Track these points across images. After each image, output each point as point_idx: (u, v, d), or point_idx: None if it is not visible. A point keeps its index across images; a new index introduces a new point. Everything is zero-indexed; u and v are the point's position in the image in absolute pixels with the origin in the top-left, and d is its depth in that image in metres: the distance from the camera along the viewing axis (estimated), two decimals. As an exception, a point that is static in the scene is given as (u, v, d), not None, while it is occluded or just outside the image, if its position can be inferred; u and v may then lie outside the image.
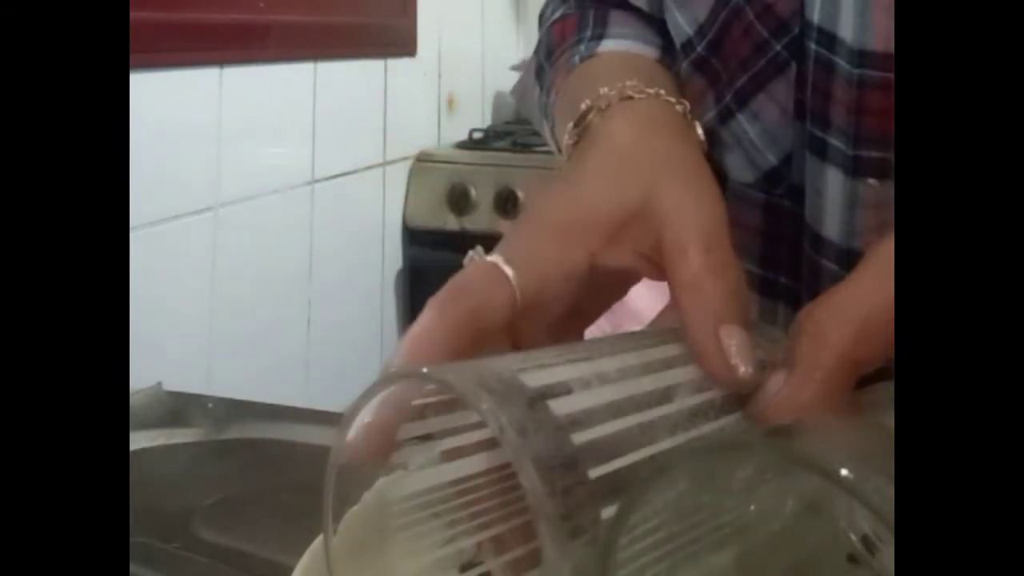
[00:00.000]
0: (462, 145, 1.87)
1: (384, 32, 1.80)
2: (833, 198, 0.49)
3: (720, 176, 0.55)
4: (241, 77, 1.42)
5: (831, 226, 0.49)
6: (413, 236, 1.81)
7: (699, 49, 0.55)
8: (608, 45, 0.57)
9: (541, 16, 0.67)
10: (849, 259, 0.49)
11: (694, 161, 0.44)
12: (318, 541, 0.35)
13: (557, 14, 0.63)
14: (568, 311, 0.41)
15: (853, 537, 0.34)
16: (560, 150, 0.59)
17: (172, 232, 1.30)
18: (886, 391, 0.33)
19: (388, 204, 1.80)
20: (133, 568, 0.63)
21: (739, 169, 0.54)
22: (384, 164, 1.78)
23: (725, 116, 0.54)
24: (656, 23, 0.59)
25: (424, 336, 0.36)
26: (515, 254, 0.39)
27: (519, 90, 0.69)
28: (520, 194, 1.72)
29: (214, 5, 1.37)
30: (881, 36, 0.47)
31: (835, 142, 0.49)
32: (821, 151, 0.49)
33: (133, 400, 0.87)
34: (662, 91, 0.47)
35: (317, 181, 1.60)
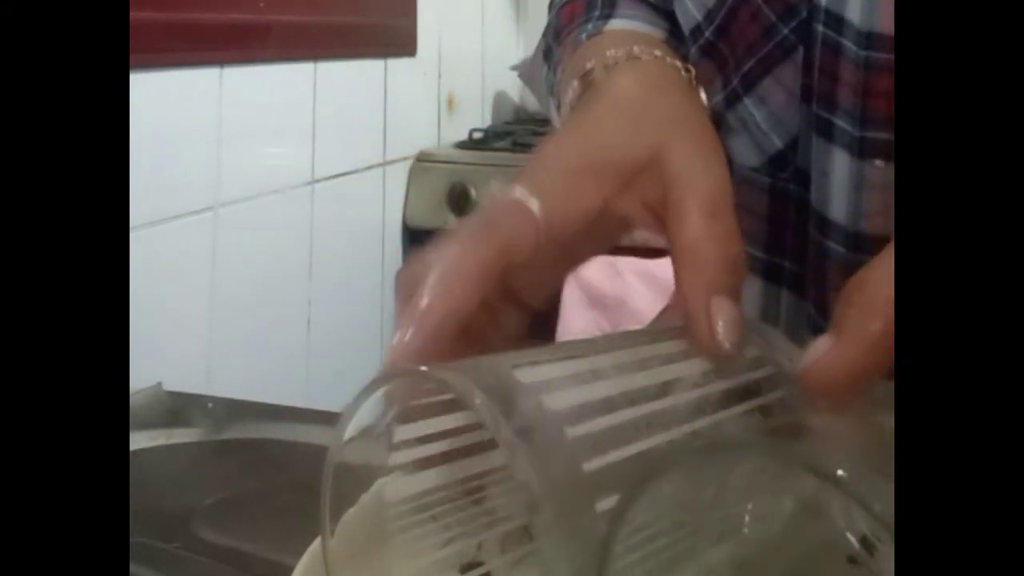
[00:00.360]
0: (462, 145, 1.87)
1: (384, 32, 1.80)
2: (840, 180, 0.49)
3: (727, 160, 0.55)
4: (241, 77, 1.42)
5: (837, 208, 0.49)
6: (413, 236, 1.81)
7: (707, 34, 0.55)
8: (615, 24, 0.57)
9: (551, 2, 0.67)
10: (856, 241, 0.49)
11: (703, 123, 0.44)
12: (318, 541, 0.35)
13: None
14: (569, 252, 0.42)
15: (851, 538, 0.34)
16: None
17: (172, 232, 1.30)
18: (886, 390, 0.33)
19: (388, 204, 1.80)
20: (133, 568, 0.63)
21: (745, 153, 0.54)
22: (384, 164, 1.78)
23: (732, 100, 0.54)
24: (663, 12, 0.60)
25: (454, 273, 0.37)
26: (538, 189, 0.39)
27: (527, 72, 0.70)
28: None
29: (214, 5, 1.37)
30: (888, 18, 0.47)
31: (842, 124, 0.49)
32: (827, 133, 0.50)
33: (133, 400, 0.87)
34: (667, 56, 0.48)
35: (317, 181, 1.60)
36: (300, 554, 0.37)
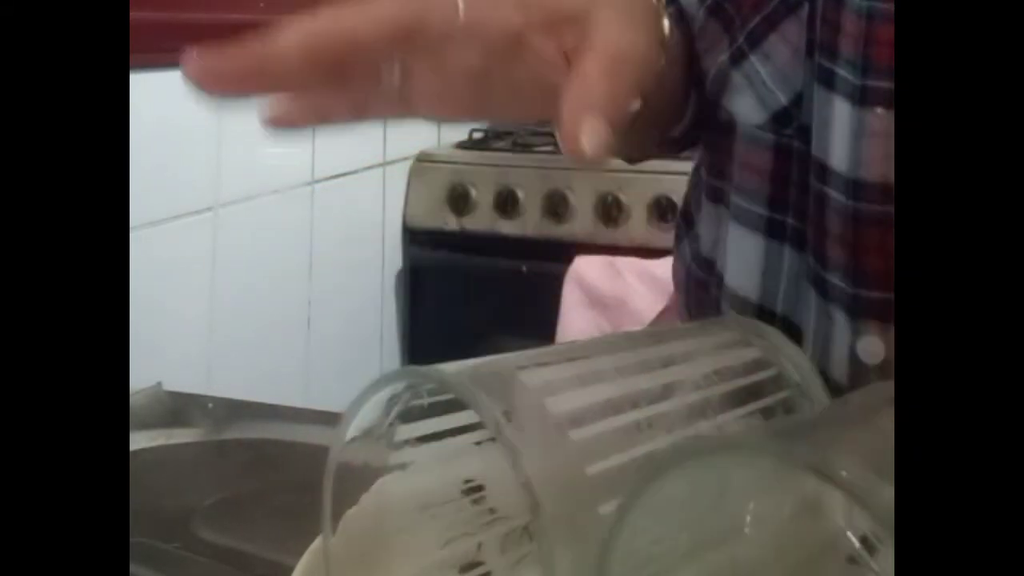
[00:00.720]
0: (462, 145, 1.87)
1: (384, 32, 1.79)
2: (840, 128, 0.50)
3: (730, 121, 0.56)
4: (241, 77, 1.41)
5: (838, 156, 0.50)
6: (413, 236, 1.81)
7: None
8: None
9: None
10: (855, 188, 0.49)
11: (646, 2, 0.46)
12: (318, 541, 0.35)
13: None
14: (481, 73, 0.43)
15: (852, 538, 0.34)
16: None
17: (172, 232, 1.30)
18: (884, 392, 0.33)
19: (388, 204, 1.80)
20: (133, 568, 0.63)
21: (749, 110, 0.55)
22: (384, 164, 1.78)
23: (737, 58, 0.55)
24: None
25: (364, 15, 0.39)
26: None
27: None
28: (520, 194, 1.72)
29: (214, 5, 1.37)
30: None
31: (843, 72, 0.50)
32: (829, 82, 0.50)
33: (133, 400, 0.87)
34: None
35: (317, 181, 1.60)
36: (300, 554, 0.37)
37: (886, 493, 0.25)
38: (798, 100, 0.53)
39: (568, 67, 0.42)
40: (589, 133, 0.39)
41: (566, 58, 0.43)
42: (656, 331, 0.39)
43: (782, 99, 0.54)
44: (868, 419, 0.34)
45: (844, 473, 0.26)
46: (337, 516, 0.34)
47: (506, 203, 1.73)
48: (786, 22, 0.53)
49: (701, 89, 0.60)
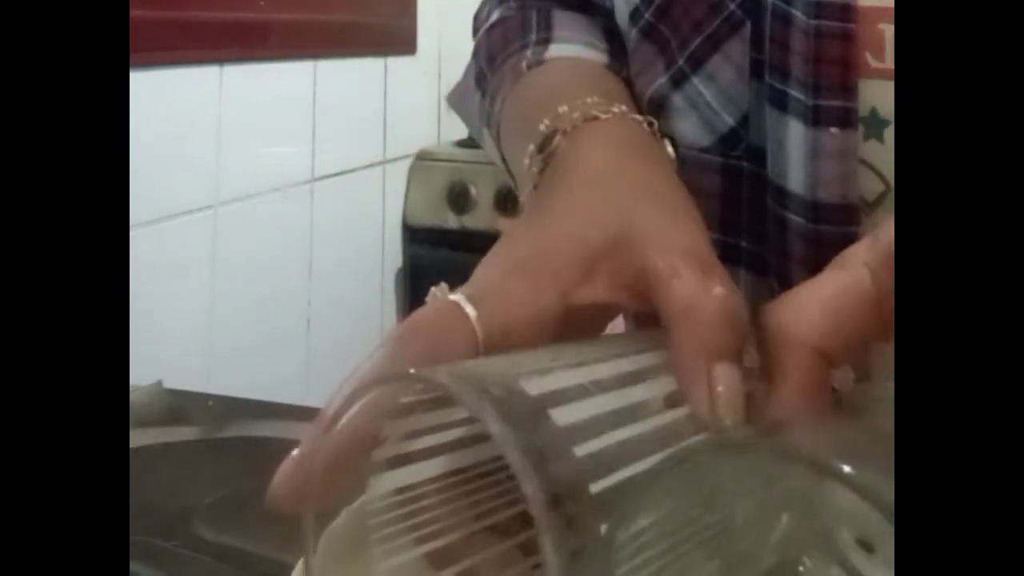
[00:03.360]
0: (462, 143, 1.87)
1: (384, 30, 1.80)
2: (795, 150, 0.49)
3: (672, 145, 0.54)
4: (241, 75, 1.42)
5: (795, 178, 0.49)
6: (413, 234, 1.81)
7: (647, 16, 0.54)
8: (555, 51, 0.56)
9: (476, 18, 0.65)
10: (815, 210, 0.48)
11: (671, 184, 0.42)
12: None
13: (495, 16, 0.62)
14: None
15: (846, 536, 0.34)
16: (503, 160, 0.58)
17: (172, 230, 1.30)
18: (870, 392, 0.33)
19: (388, 202, 1.80)
20: (133, 566, 0.63)
21: (695, 134, 0.54)
22: (384, 162, 1.78)
23: (679, 80, 0.53)
24: (600, 18, 0.59)
25: (377, 376, 0.34)
26: (480, 293, 0.36)
27: (456, 96, 0.67)
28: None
29: (214, 3, 1.37)
30: None
31: (795, 93, 0.48)
32: (781, 103, 0.49)
33: (133, 398, 0.87)
34: (625, 108, 0.47)
35: (317, 179, 1.60)
36: (299, 552, 0.37)
37: (885, 487, 0.25)
38: (745, 121, 0.52)
39: (635, 297, 0.37)
40: (725, 399, 0.34)
41: (629, 290, 0.37)
42: (652, 333, 0.38)
43: (729, 121, 0.52)
44: (857, 418, 0.34)
45: (843, 467, 0.26)
46: (320, 529, 0.33)
47: (506, 201, 1.73)
48: (729, 42, 0.51)
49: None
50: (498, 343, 0.35)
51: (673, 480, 0.29)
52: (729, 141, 0.53)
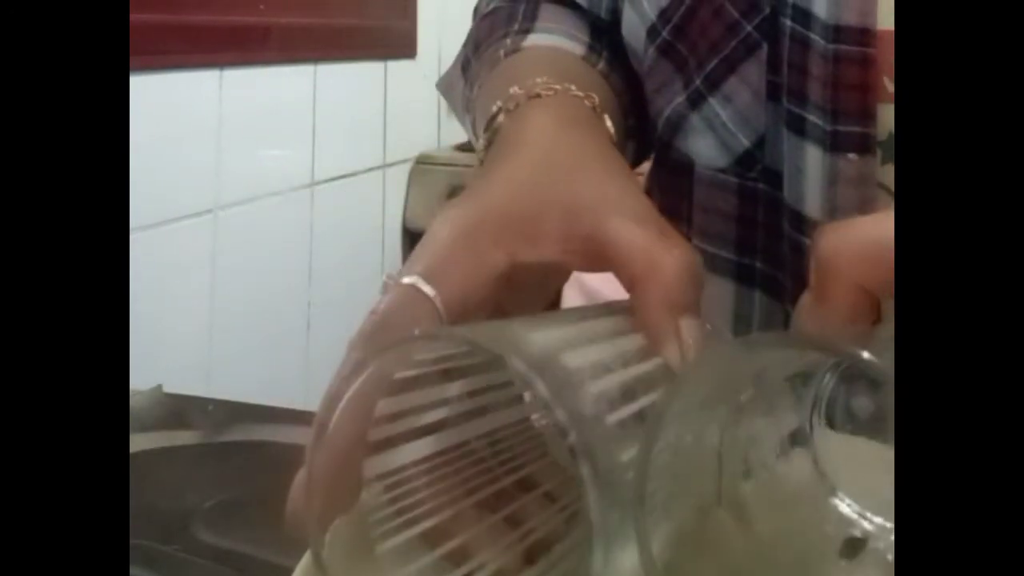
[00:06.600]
0: (462, 147, 1.87)
1: (384, 34, 1.80)
2: (813, 175, 0.49)
3: (686, 163, 0.54)
4: (241, 79, 1.42)
5: (812, 204, 0.49)
6: (413, 238, 1.81)
7: (664, 34, 0.55)
8: (533, 40, 0.56)
9: (475, 10, 0.66)
10: None
11: (611, 154, 0.43)
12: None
13: (490, 6, 0.63)
14: (491, 316, 0.39)
15: (849, 514, 0.35)
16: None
17: (172, 234, 1.30)
18: (878, 334, 0.34)
19: (388, 206, 1.80)
20: (133, 570, 0.63)
21: (711, 154, 0.54)
22: (384, 166, 1.79)
23: (696, 100, 0.54)
24: (589, 16, 0.59)
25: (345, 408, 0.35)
26: (431, 270, 0.37)
27: (445, 83, 0.68)
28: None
29: (214, 7, 1.37)
30: (855, 10, 0.47)
31: (813, 118, 0.48)
32: (799, 128, 0.49)
33: (133, 402, 0.87)
34: (572, 86, 0.47)
35: (317, 183, 1.60)
36: (300, 556, 0.37)
37: (888, 356, 0.26)
38: (761, 143, 0.52)
39: (585, 257, 0.39)
40: (695, 348, 0.36)
41: (578, 252, 0.39)
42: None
43: (745, 142, 0.52)
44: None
45: (852, 348, 0.28)
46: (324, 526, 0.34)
47: (506, 205, 1.73)
48: (745, 64, 0.51)
49: (641, 136, 0.58)
50: (459, 314, 0.37)
51: (697, 389, 0.31)
52: (745, 162, 0.53)
